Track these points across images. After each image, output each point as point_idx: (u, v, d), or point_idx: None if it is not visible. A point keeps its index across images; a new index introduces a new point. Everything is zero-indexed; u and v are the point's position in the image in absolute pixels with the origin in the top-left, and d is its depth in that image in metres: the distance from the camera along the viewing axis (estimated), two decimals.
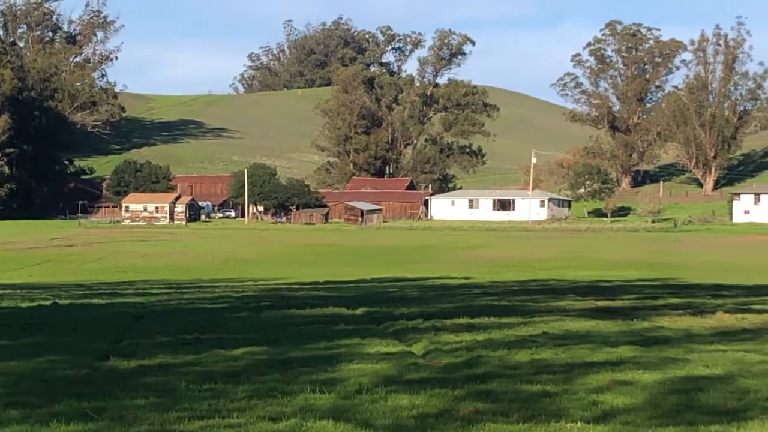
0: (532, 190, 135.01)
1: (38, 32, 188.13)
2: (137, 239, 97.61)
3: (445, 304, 26.57)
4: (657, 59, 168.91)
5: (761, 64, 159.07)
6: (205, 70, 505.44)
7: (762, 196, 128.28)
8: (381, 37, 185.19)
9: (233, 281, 45.20)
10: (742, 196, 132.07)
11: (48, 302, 28.61)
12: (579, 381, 11.87)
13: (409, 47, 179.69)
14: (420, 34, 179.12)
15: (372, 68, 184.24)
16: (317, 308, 24.33)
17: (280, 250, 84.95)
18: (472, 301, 28.24)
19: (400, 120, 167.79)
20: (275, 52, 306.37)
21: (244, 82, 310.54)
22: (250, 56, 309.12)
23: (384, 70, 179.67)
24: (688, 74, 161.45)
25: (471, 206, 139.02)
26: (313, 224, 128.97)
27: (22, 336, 17.92)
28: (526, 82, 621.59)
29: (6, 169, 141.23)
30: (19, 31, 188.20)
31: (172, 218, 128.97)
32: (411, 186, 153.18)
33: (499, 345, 15.59)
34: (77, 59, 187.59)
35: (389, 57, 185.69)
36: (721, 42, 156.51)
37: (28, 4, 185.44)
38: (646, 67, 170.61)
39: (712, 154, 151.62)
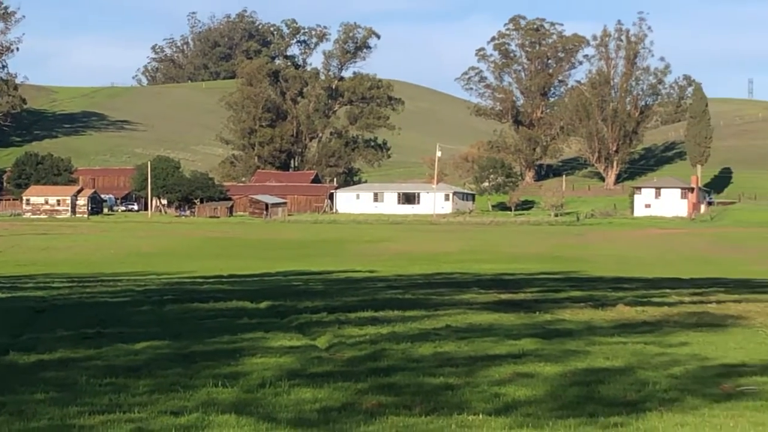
0: (437, 183, 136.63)
1: None
2: (38, 232, 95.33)
3: (349, 297, 26.80)
4: (560, 54, 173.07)
5: (662, 59, 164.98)
6: (109, 62, 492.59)
7: (662, 190, 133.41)
8: (286, 30, 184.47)
9: (136, 275, 44.42)
10: (643, 190, 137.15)
11: None
12: (481, 373, 12.02)
13: (314, 40, 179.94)
14: (325, 27, 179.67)
15: (277, 61, 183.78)
16: (221, 302, 24.37)
17: (184, 244, 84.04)
18: (377, 294, 28.43)
19: (305, 113, 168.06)
20: (179, 44, 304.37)
21: (147, 74, 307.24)
22: (153, 48, 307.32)
23: (289, 63, 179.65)
24: (590, 69, 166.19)
25: (376, 200, 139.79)
26: (218, 217, 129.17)
27: None
28: (431, 76, 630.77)
29: None
30: None
31: (74, 211, 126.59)
32: (316, 179, 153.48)
33: (402, 338, 15.70)
34: None
35: (294, 50, 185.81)
36: (623, 37, 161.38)
37: None
38: (549, 61, 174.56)
39: (614, 149, 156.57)
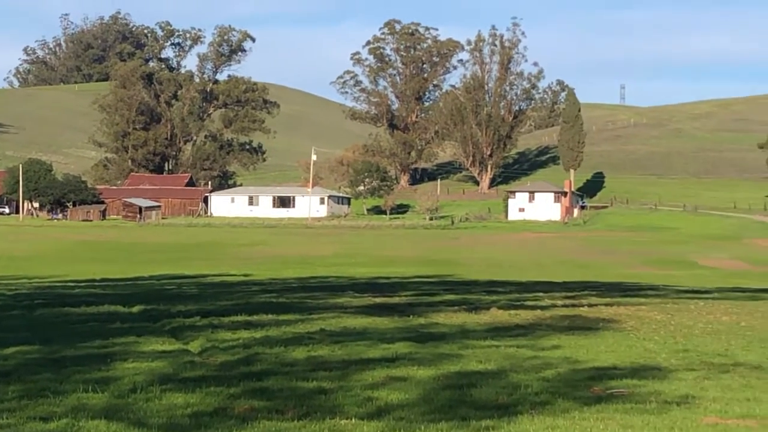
0: (312, 187, 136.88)
1: None
2: None
3: (223, 301, 26.69)
4: (435, 58, 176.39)
5: (536, 64, 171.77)
6: None
7: (536, 194, 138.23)
8: (160, 33, 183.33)
9: (6, 279, 43.02)
10: (517, 194, 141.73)
11: None
12: (354, 377, 12.03)
13: (188, 43, 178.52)
14: (200, 30, 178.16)
15: (151, 64, 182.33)
16: (93, 306, 24.18)
17: (56, 248, 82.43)
18: (251, 298, 28.26)
19: (179, 116, 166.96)
20: (51, 46, 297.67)
21: (19, 76, 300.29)
22: (25, 50, 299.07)
23: (163, 66, 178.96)
24: (465, 74, 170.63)
25: (251, 203, 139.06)
26: (91, 221, 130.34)
27: None
28: (307, 79, 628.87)
29: None
30: None
31: None
32: (191, 182, 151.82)
33: (276, 342, 15.62)
34: None
35: (168, 53, 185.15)
36: (497, 42, 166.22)
37: None
38: (424, 66, 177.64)
39: (488, 153, 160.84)
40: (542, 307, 24.43)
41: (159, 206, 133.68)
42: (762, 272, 62.86)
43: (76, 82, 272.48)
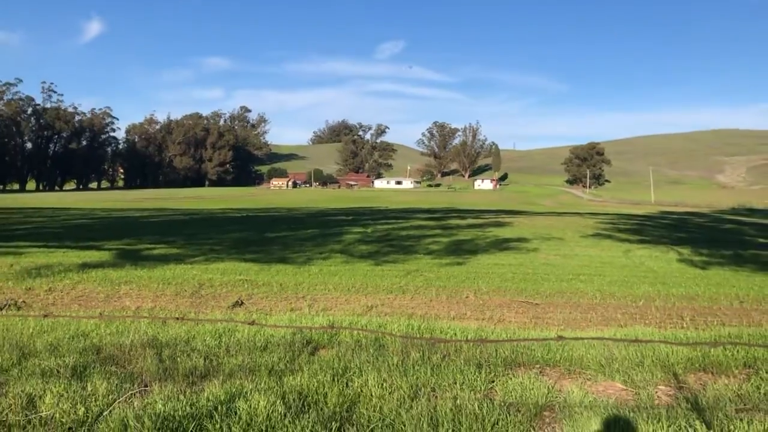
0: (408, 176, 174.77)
1: None
2: None
3: (377, 215, 43.15)
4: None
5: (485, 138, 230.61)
6: None
7: (485, 180, 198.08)
8: None
9: (307, 209, 57.11)
10: (476, 180, 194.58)
11: None
12: (423, 241, 26.93)
13: None
14: None
15: None
16: (334, 216, 41.69)
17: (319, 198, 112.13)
18: (388, 214, 45.48)
19: None
20: None
21: None
22: None
23: None
24: (463, 140, 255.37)
25: (387, 183, 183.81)
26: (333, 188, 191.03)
27: None
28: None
29: None
30: None
31: None
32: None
33: (397, 228, 30.49)
34: None
35: None
36: (472, 130, 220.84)
37: None
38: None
39: (468, 166, 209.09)
40: (485, 217, 39.93)
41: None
42: (563, 208, 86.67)
43: None
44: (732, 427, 4.85)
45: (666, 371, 6.69)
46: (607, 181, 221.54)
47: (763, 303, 12.69)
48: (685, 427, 4.78)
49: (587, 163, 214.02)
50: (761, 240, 31.25)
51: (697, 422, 4.87)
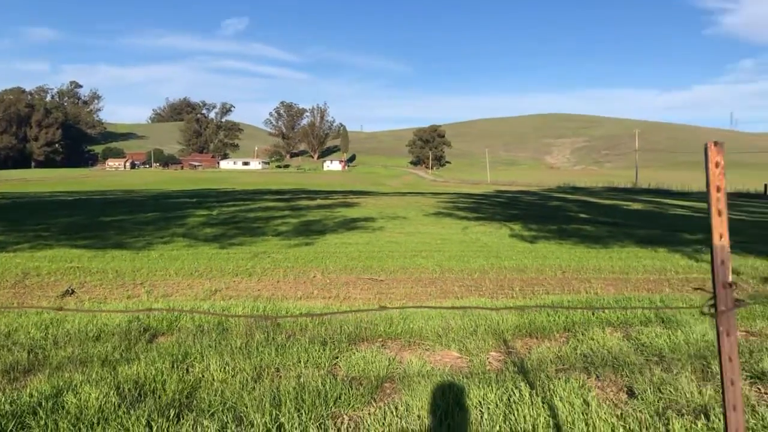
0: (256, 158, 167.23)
1: None
2: None
3: (223, 197, 43.02)
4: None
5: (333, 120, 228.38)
6: None
7: (333, 161, 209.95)
8: None
9: (146, 191, 53.79)
10: (326, 161, 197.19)
11: None
12: (270, 223, 26.67)
13: None
14: None
15: None
16: (176, 199, 39.30)
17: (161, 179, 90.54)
18: (234, 195, 43.35)
19: None
20: None
21: None
22: None
23: None
24: (311, 120, 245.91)
25: (234, 164, 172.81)
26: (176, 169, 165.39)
27: None
28: None
29: None
30: None
31: None
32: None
33: (243, 210, 29.69)
34: None
35: None
36: (319, 111, 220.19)
37: None
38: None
39: (317, 146, 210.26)
40: (334, 198, 40.16)
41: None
42: (408, 188, 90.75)
43: None
44: (552, 386, 5.25)
45: (497, 338, 7.16)
46: (448, 162, 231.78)
47: (582, 272, 13.92)
48: (512, 389, 5.14)
49: (430, 145, 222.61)
50: (582, 215, 34.25)
51: (523, 384, 5.26)
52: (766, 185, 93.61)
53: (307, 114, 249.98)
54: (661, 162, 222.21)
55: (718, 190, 1.86)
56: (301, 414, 4.68)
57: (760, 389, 5.29)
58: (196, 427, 4.57)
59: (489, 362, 6.27)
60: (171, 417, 4.72)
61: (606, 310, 8.34)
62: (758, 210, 46.32)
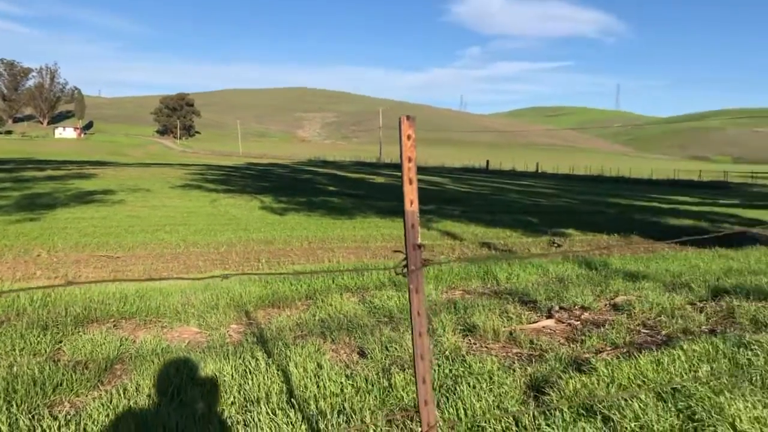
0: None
1: None
2: None
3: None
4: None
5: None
6: None
7: (67, 128, 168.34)
8: None
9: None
10: (57, 128, 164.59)
11: None
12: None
13: None
14: None
15: None
16: None
17: None
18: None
19: None
20: None
21: None
22: None
23: None
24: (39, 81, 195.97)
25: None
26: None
27: None
28: None
29: None
30: None
31: None
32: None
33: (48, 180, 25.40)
34: None
35: None
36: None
37: None
38: None
39: (47, 112, 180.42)
40: (67, 168, 36.38)
41: None
42: (153, 159, 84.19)
43: None
44: (288, 352, 5.38)
45: (239, 311, 7.15)
46: (198, 132, 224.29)
47: (326, 242, 14.47)
48: (250, 359, 5.18)
49: (178, 114, 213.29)
50: (331, 188, 35.50)
51: (260, 353, 5.32)
52: (487, 161, 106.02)
53: (34, 74, 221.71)
54: None
55: (410, 160, 2.05)
56: (11, 406, 4.25)
57: (470, 341, 6.00)
58: None
59: (229, 335, 6.23)
60: None
61: (344, 276, 8.77)
62: (481, 183, 52.21)
